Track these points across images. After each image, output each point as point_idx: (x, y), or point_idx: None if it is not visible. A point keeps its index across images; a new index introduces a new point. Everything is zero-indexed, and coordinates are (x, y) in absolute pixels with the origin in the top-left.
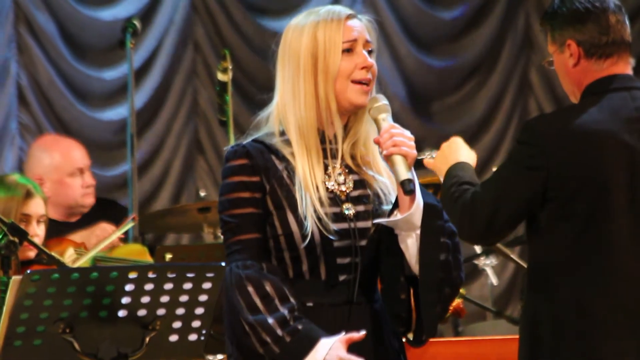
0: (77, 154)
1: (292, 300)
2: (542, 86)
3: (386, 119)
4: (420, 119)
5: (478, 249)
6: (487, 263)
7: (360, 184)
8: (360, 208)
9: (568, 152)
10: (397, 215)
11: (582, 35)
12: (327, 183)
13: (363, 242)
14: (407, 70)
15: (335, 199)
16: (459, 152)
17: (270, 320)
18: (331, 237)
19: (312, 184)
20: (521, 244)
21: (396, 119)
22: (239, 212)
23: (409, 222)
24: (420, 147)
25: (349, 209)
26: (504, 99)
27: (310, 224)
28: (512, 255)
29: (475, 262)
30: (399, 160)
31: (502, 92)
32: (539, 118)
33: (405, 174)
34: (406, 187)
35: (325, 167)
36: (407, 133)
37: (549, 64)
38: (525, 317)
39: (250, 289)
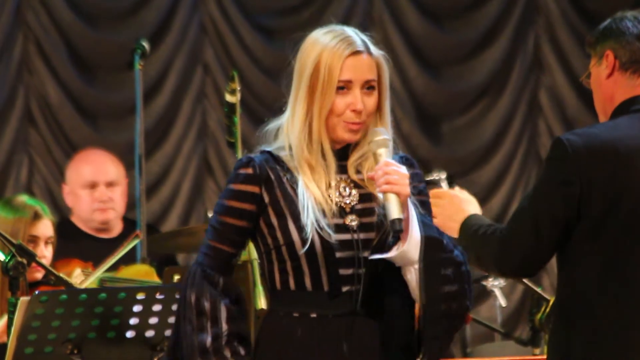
0: (93, 167)
1: (222, 324)
2: (551, 108)
3: (382, 155)
4: (429, 141)
5: None
6: (496, 284)
7: (367, 197)
8: (365, 220)
9: (599, 169)
10: (393, 251)
11: (622, 48)
12: (330, 195)
13: (367, 254)
14: (416, 92)
15: (338, 211)
16: (465, 206)
17: (195, 341)
18: (332, 243)
19: (313, 196)
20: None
21: (405, 140)
22: (223, 219)
23: (404, 258)
24: (428, 168)
25: (352, 221)
26: (514, 120)
27: (310, 231)
28: None
29: (484, 283)
30: (391, 199)
31: (512, 114)
32: (570, 134)
33: (395, 213)
34: (395, 226)
35: (330, 181)
36: (403, 170)
37: (586, 79)
38: (554, 342)
39: (192, 300)
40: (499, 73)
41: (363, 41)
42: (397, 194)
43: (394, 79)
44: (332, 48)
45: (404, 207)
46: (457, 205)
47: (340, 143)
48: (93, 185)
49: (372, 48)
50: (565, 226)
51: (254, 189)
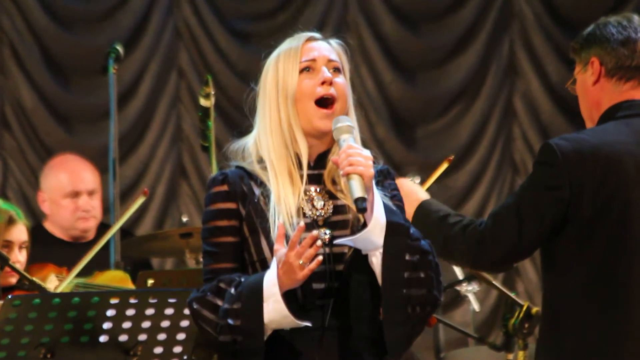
0: (74, 176)
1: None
2: (526, 113)
3: (347, 140)
4: (404, 145)
5: (460, 275)
6: (470, 289)
7: (341, 209)
8: (338, 233)
9: (589, 174)
10: (357, 234)
11: (607, 54)
12: (304, 208)
13: (340, 267)
14: (391, 97)
15: (311, 224)
16: (416, 192)
17: (225, 306)
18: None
19: (285, 210)
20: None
21: (380, 145)
22: (216, 240)
23: (368, 241)
24: (403, 173)
25: (324, 234)
26: (488, 125)
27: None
28: (494, 282)
29: (458, 288)
30: (354, 179)
31: (486, 119)
32: (559, 139)
33: (358, 192)
34: (359, 205)
35: (304, 193)
36: (366, 152)
37: (571, 85)
38: (543, 348)
39: (209, 295)
40: (473, 78)
41: (321, 35)
42: (361, 175)
43: (368, 84)
44: (289, 44)
45: (368, 190)
46: (408, 191)
47: (315, 138)
48: (75, 195)
49: (332, 40)
50: (549, 231)
51: (232, 205)
